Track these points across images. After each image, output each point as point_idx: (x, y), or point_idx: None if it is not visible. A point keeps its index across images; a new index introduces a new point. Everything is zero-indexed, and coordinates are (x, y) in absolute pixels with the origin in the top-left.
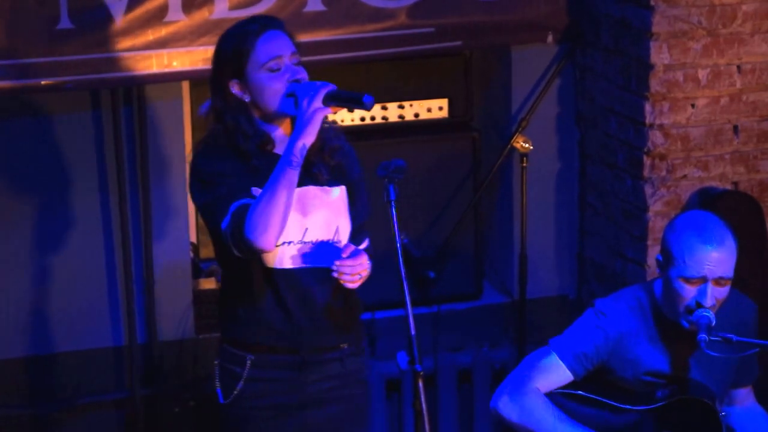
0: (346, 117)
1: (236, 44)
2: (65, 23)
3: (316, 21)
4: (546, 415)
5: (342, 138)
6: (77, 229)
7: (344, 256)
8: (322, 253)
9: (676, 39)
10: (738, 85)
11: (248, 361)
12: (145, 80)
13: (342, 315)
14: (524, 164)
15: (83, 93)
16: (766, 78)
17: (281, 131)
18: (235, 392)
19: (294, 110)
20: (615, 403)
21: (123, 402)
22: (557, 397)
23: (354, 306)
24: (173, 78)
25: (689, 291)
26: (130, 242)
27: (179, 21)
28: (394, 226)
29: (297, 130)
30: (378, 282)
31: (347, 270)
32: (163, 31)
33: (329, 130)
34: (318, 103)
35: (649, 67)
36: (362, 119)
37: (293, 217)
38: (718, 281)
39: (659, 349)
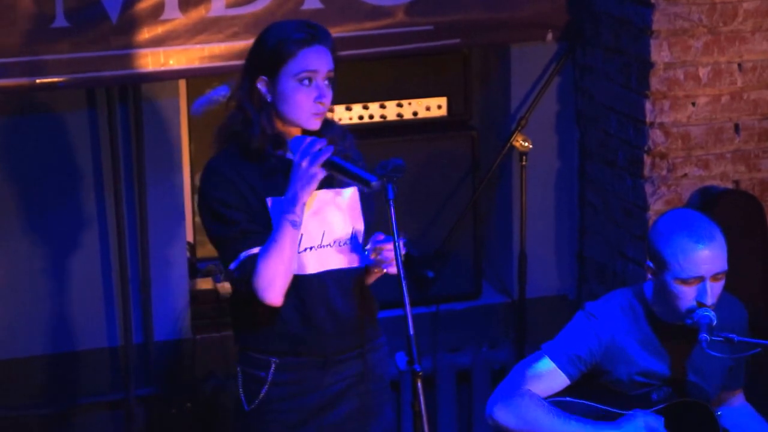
0: (343, 115)
1: (278, 45)
2: (60, 21)
3: (313, 18)
4: (541, 413)
5: (350, 138)
6: (73, 228)
7: (380, 239)
8: (342, 254)
9: (676, 37)
10: (739, 83)
11: (272, 365)
12: (142, 78)
13: (363, 314)
14: (523, 163)
15: (79, 91)
16: (767, 76)
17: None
18: (260, 397)
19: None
20: (610, 409)
21: (119, 403)
22: (551, 405)
23: (372, 303)
24: (170, 76)
25: (688, 292)
26: (126, 242)
27: (175, 19)
28: (392, 226)
29: (294, 190)
30: (377, 282)
31: (387, 252)
32: (159, 29)
33: (337, 130)
34: (316, 167)
35: (649, 65)
36: (360, 117)
37: (311, 223)
38: (715, 277)
39: (652, 351)
